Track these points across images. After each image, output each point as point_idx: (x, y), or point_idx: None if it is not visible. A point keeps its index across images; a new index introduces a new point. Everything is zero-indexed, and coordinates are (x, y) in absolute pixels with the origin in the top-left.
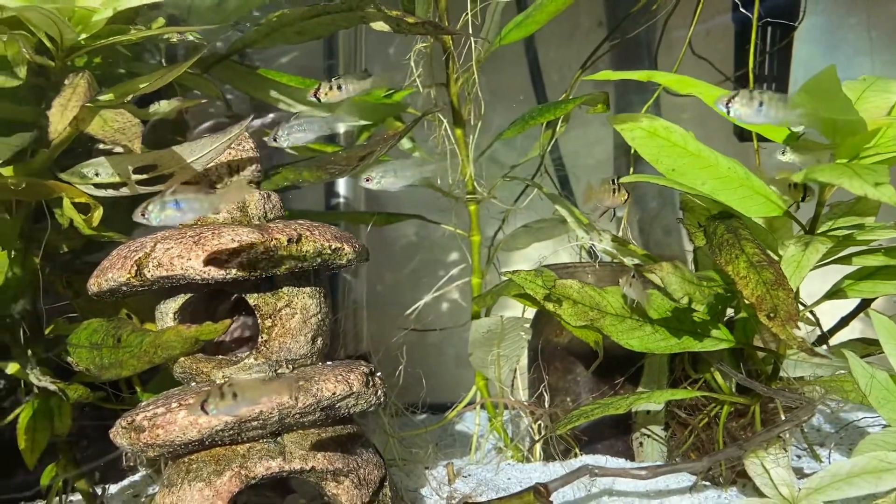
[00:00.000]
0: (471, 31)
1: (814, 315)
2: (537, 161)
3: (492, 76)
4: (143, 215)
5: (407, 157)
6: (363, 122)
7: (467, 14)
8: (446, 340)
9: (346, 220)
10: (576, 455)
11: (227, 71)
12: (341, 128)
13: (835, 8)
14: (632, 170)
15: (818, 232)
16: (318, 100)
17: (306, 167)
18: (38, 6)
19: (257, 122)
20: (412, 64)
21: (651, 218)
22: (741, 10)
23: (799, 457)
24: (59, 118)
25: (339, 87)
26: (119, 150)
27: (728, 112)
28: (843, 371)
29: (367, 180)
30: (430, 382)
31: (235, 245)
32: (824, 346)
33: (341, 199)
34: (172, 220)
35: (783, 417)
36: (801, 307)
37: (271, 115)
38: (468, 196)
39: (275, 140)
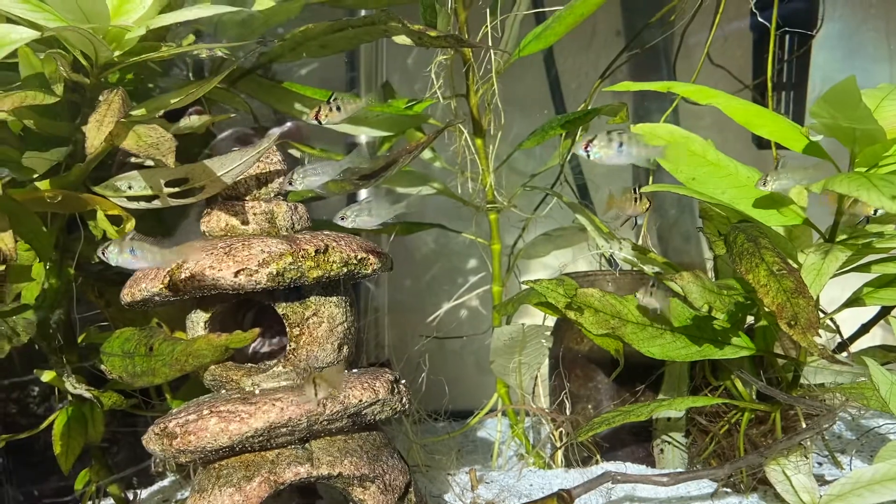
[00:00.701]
0: (490, 44)
1: (834, 322)
2: (556, 169)
3: (511, 84)
4: (102, 254)
5: (386, 194)
6: (384, 134)
7: (487, 27)
8: (466, 347)
9: (366, 230)
10: (597, 461)
11: (252, 84)
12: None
13: (853, 14)
14: (651, 178)
15: (838, 240)
16: (319, 122)
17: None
18: (76, 26)
19: (276, 130)
20: (433, 76)
21: (670, 225)
22: (759, 18)
23: (820, 464)
24: (96, 134)
25: (338, 108)
26: (150, 162)
27: (588, 155)
28: (863, 378)
29: (343, 219)
30: (450, 389)
31: (265, 256)
32: (844, 353)
33: (365, 207)
34: (128, 264)
35: (804, 424)
36: (821, 314)
37: (289, 123)
38: (488, 205)
39: (290, 184)
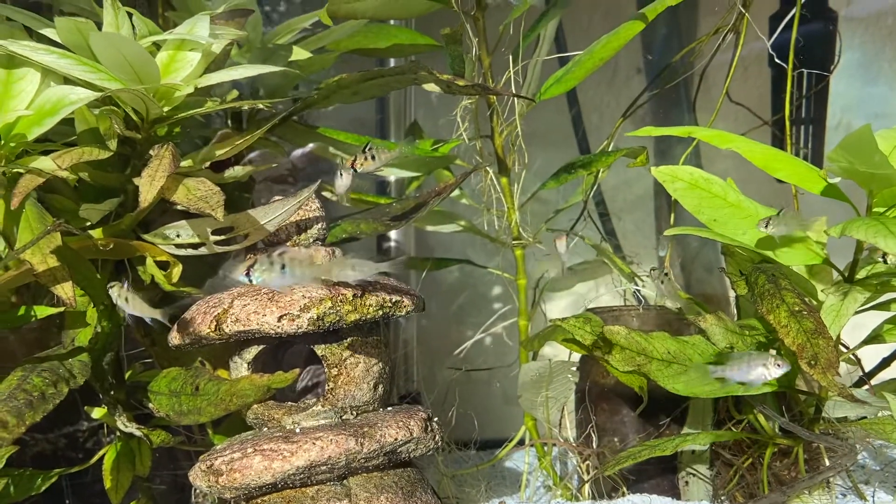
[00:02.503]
0: (513, 89)
1: (855, 356)
2: (580, 204)
3: (534, 118)
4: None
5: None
6: (413, 174)
7: (510, 72)
8: (494, 378)
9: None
10: (623, 494)
11: (289, 130)
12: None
13: (871, 42)
14: (673, 217)
15: (857, 278)
16: (355, 170)
17: (363, 220)
18: (131, 88)
19: (298, 152)
20: (458, 119)
21: (692, 257)
22: (776, 60)
23: (844, 495)
24: (149, 188)
25: (373, 157)
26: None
27: (356, 171)
28: (887, 412)
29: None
30: (478, 419)
31: (306, 301)
32: (866, 387)
33: (392, 244)
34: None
35: (826, 458)
36: (843, 349)
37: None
38: (514, 241)
39: (356, 169)
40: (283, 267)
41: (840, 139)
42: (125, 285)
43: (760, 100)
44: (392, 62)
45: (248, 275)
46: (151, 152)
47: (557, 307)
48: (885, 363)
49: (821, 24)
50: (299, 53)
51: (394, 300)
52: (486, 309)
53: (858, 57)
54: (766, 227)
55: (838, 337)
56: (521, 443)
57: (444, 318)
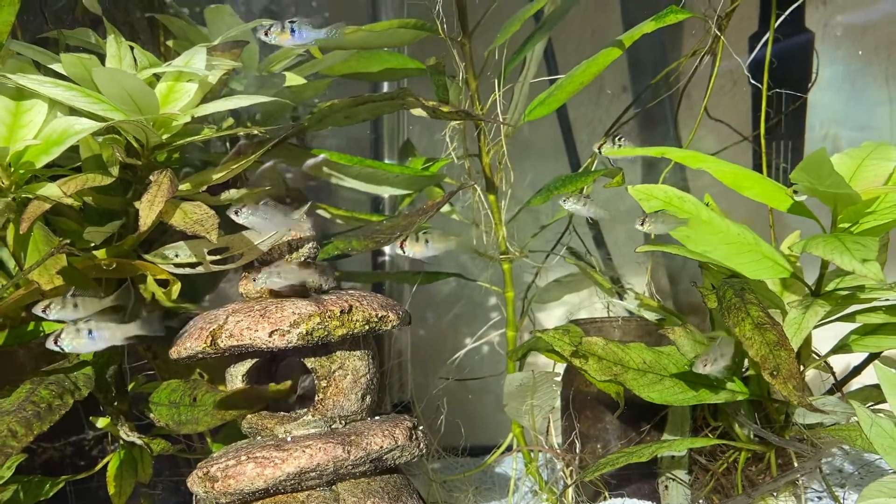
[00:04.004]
0: (499, 111)
1: (828, 365)
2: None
3: (527, 131)
4: (55, 342)
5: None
6: (405, 192)
7: (495, 94)
8: (485, 386)
9: (391, 280)
10: (605, 498)
11: (284, 151)
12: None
13: (857, 56)
14: (652, 237)
15: (825, 291)
16: (403, 251)
17: (355, 237)
18: (132, 119)
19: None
20: (447, 139)
21: (679, 267)
22: (751, 81)
23: (820, 498)
24: (148, 212)
25: (426, 241)
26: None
27: (403, 251)
28: (856, 418)
29: (255, 280)
30: (469, 426)
31: (296, 317)
32: (838, 395)
33: (386, 258)
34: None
35: (796, 462)
36: (815, 357)
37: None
38: (501, 256)
39: (254, 281)
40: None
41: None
42: (71, 294)
43: (746, 112)
44: (385, 85)
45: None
46: (151, 178)
47: (553, 316)
48: (855, 372)
49: (797, 44)
50: (294, 79)
51: (380, 315)
52: (480, 318)
53: (844, 70)
54: (642, 224)
55: (810, 345)
56: (510, 449)
57: (439, 328)
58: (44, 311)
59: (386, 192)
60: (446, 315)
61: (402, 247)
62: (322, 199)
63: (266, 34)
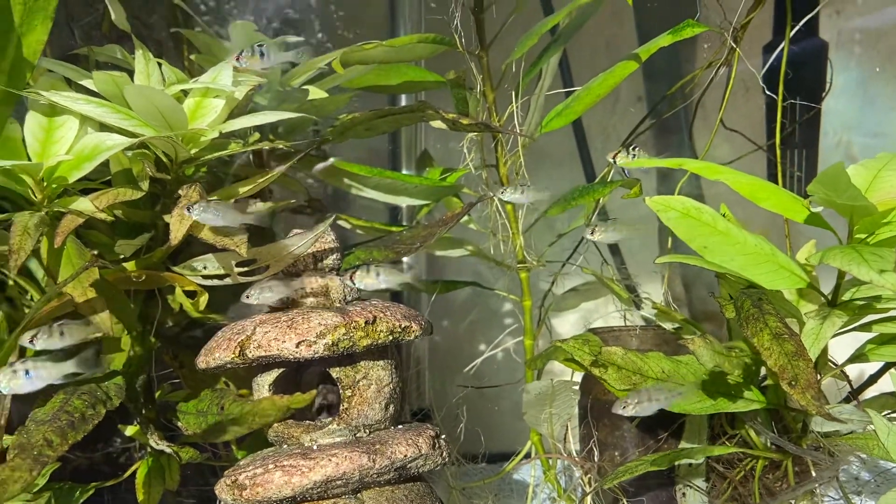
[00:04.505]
0: (516, 122)
1: (844, 373)
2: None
3: (544, 140)
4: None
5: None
6: (423, 202)
7: (513, 106)
8: (502, 393)
9: (408, 289)
10: None
11: (306, 163)
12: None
13: (870, 62)
14: (671, 243)
15: (841, 301)
16: (353, 282)
17: (376, 247)
18: (162, 135)
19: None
20: (465, 150)
21: (694, 276)
22: (766, 92)
23: None
24: (178, 226)
25: (377, 274)
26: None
27: (355, 284)
28: (873, 427)
29: (247, 297)
30: (487, 433)
31: (322, 328)
32: (854, 403)
33: (405, 267)
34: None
35: (813, 471)
36: (832, 366)
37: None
38: (519, 265)
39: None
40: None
41: (838, 157)
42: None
43: (760, 121)
44: (403, 97)
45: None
46: (180, 192)
47: (566, 322)
48: (871, 380)
49: (811, 53)
50: (317, 93)
51: (403, 326)
52: (497, 325)
53: (857, 76)
54: (592, 234)
55: (826, 354)
56: (528, 456)
57: (456, 336)
58: (31, 342)
59: (404, 202)
60: (462, 322)
61: (352, 278)
62: (340, 209)
63: (238, 59)
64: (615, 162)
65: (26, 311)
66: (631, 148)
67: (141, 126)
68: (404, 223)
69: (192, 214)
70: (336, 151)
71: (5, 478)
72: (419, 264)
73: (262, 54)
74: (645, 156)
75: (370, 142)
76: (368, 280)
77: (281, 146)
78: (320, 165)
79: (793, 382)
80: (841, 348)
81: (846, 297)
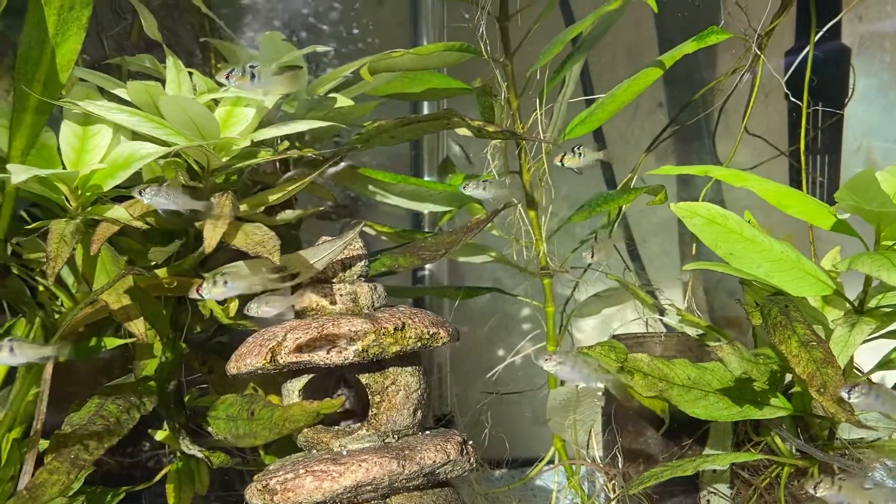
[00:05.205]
0: (540, 129)
1: (870, 381)
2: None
3: (565, 144)
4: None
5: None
6: (446, 208)
7: (536, 113)
8: (524, 399)
9: (431, 295)
10: None
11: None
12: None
13: (891, 68)
14: (695, 248)
15: (868, 307)
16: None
17: (401, 253)
18: (195, 143)
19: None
20: (489, 156)
21: (715, 282)
22: (791, 98)
23: None
24: (212, 234)
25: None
26: None
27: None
28: None
29: (248, 310)
30: (508, 438)
31: (352, 334)
32: None
33: (426, 272)
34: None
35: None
36: (858, 374)
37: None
38: (542, 271)
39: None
40: None
41: (859, 162)
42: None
43: (780, 125)
44: (425, 104)
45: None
46: (213, 200)
47: (586, 326)
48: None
49: (834, 59)
50: (343, 102)
51: (431, 332)
52: (516, 331)
53: (877, 83)
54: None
55: (852, 361)
56: (551, 462)
57: (475, 341)
58: None
59: (428, 208)
60: (482, 328)
61: (198, 290)
62: (361, 215)
63: (227, 78)
64: (563, 164)
65: (56, 316)
66: (575, 148)
67: (174, 135)
68: (426, 229)
69: (143, 198)
70: (356, 157)
71: (43, 481)
72: (441, 269)
73: (253, 76)
74: (591, 156)
75: (393, 148)
76: (217, 291)
77: (310, 154)
78: (332, 169)
79: (822, 389)
80: (864, 354)
81: (872, 303)
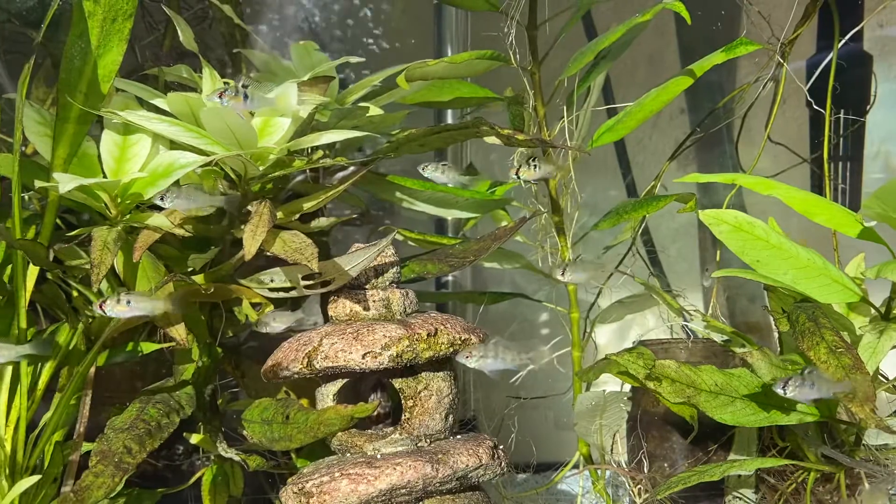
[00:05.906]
0: (567, 136)
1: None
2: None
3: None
4: None
5: None
6: (471, 215)
7: (563, 121)
8: (546, 404)
9: (455, 300)
10: None
11: (362, 178)
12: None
13: None
14: (719, 255)
15: (894, 314)
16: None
17: (429, 260)
18: (234, 153)
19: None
20: (515, 163)
21: (737, 288)
22: (814, 106)
23: None
24: (251, 241)
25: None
26: None
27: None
28: None
29: (256, 326)
30: (529, 442)
31: (386, 340)
32: None
33: (450, 278)
34: None
35: (867, 483)
36: (883, 380)
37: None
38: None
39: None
40: None
41: (877, 168)
42: None
43: (799, 132)
44: (449, 112)
45: None
46: (250, 208)
47: (606, 331)
48: None
49: (855, 66)
50: (373, 111)
51: (463, 338)
52: (536, 336)
53: None
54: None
55: (877, 370)
56: (576, 467)
57: None
58: None
59: (454, 214)
60: (503, 332)
61: (101, 307)
62: (383, 221)
63: (220, 97)
64: (518, 177)
65: (91, 322)
66: (530, 160)
67: (212, 144)
68: (450, 235)
69: (165, 204)
70: (382, 163)
71: (89, 483)
72: (465, 275)
73: (245, 96)
74: (545, 168)
75: (418, 154)
76: (119, 308)
77: (343, 164)
78: (339, 174)
79: (851, 396)
80: (885, 361)
81: None
